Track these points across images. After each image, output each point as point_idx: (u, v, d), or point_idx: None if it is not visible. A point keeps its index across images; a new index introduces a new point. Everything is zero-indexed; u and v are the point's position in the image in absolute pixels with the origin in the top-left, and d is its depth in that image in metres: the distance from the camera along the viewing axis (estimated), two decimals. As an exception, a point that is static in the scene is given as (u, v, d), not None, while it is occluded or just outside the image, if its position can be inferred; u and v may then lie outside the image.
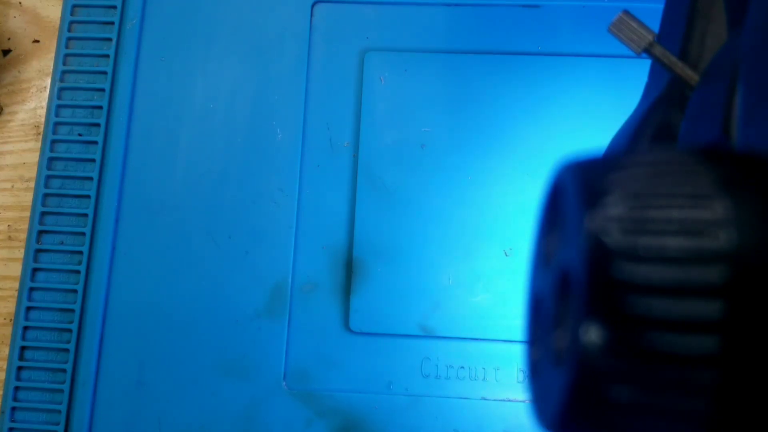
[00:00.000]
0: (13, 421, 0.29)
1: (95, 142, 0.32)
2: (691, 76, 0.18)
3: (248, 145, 0.31)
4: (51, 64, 0.33)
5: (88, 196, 0.31)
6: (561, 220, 0.11)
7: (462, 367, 0.29)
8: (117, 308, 0.30)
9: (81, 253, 0.31)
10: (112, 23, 0.33)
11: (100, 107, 0.32)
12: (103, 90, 0.32)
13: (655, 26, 0.20)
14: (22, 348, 0.30)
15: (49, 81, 0.33)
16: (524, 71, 0.31)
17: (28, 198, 0.33)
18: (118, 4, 0.33)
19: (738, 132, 0.13)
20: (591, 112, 0.30)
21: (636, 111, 0.22)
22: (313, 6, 0.33)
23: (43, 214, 0.31)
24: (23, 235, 0.32)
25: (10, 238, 0.33)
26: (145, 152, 0.32)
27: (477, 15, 0.32)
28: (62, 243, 0.31)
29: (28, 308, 0.31)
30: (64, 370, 0.30)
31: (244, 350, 0.29)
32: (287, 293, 0.30)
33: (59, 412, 0.29)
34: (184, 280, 0.30)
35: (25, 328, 0.31)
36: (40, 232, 0.31)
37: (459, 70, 0.32)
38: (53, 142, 0.32)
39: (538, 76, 0.31)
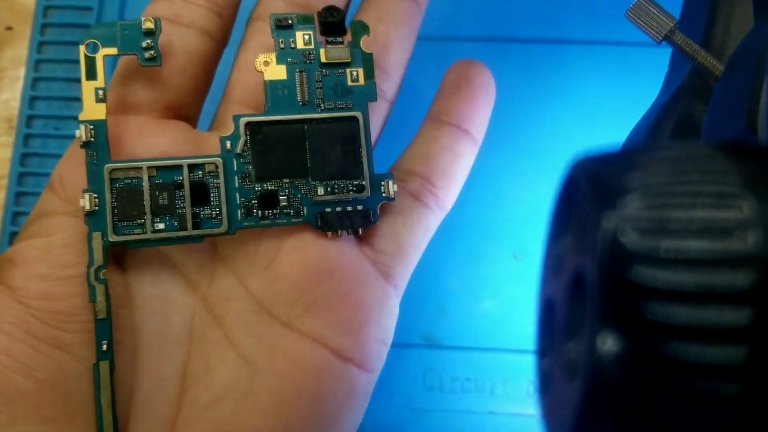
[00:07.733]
0: None
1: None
2: (715, 65, 0.18)
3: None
4: (25, 52, 0.33)
5: (65, 195, 0.31)
6: (575, 221, 0.11)
7: (468, 379, 0.29)
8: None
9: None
10: (90, 9, 0.33)
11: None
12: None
13: (676, 12, 0.20)
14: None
15: (22, 71, 0.33)
16: (534, 60, 0.31)
17: (0, 196, 0.32)
18: (97, -12, 0.33)
19: (765, 125, 0.13)
20: (607, 104, 0.30)
21: (656, 103, 0.22)
22: None
23: (15, 214, 0.31)
24: (-5, 237, 0.32)
25: (-20, 240, 0.33)
26: (127, 147, 0.32)
27: (483, 0, 0.32)
28: (37, 245, 0.31)
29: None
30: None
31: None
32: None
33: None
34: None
35: None
36: (13, 234, 0.31)
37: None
38: (27, 136, 0.32)
39: (548, 65, 0.31)
